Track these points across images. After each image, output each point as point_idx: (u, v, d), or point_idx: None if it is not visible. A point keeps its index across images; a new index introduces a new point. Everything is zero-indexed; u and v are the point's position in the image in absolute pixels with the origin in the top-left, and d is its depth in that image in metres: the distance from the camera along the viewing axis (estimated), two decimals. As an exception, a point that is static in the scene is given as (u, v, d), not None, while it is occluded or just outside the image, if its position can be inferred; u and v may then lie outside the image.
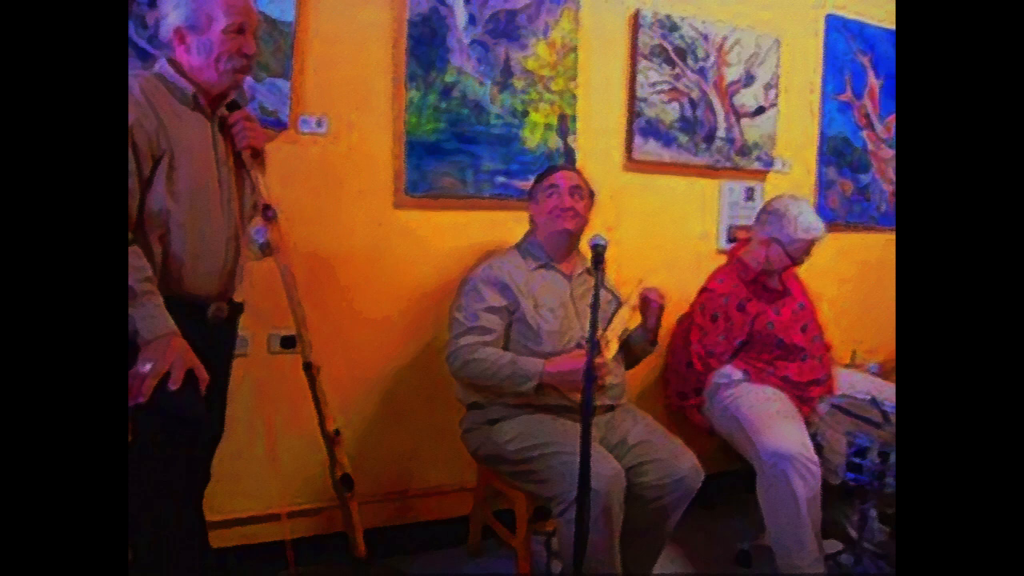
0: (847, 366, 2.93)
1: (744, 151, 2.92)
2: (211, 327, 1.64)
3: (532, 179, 2.31)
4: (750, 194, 2.96)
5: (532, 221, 2.25)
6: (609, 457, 1.92)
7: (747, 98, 2.90)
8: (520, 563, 2.13)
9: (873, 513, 2.38)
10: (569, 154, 2.56)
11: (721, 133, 2.86)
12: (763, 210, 2.50)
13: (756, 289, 2.46)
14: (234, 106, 1.68)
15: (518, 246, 2.25)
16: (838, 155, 3.16)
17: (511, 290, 2.10)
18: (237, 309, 1.77)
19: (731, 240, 2.89)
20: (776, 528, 2.17)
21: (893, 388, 2.56)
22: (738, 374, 2.41)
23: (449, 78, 2.35)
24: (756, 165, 2.95)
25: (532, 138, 2.49)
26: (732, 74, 2.86)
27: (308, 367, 1.72)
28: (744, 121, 2.91)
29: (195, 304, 1.61)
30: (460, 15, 2.35)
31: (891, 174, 3.28)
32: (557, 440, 1.94)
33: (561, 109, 2.54)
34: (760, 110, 2.94)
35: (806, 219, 2.37)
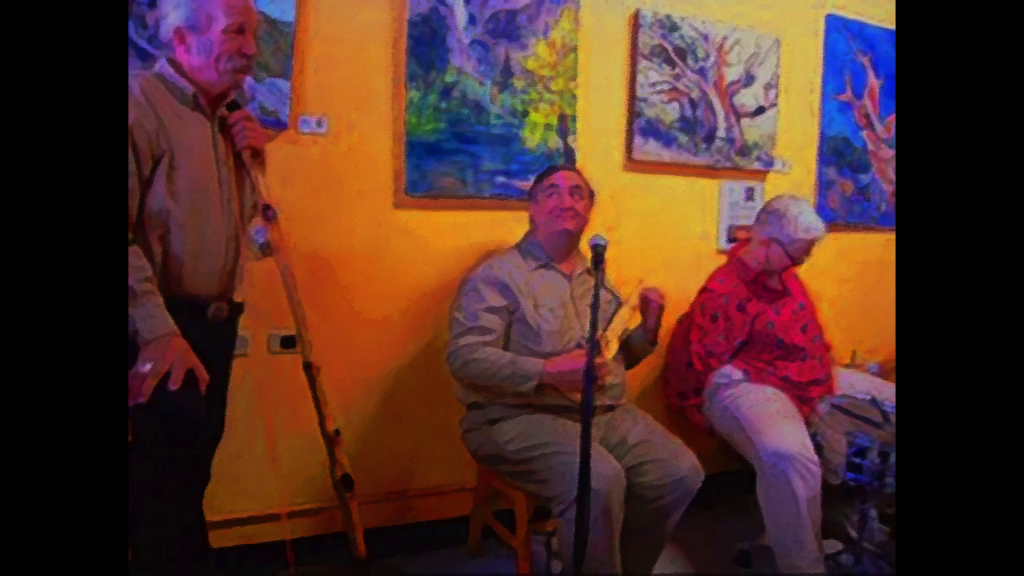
0: (847, 366, 2.93)
1: (744, 151, 2.91)
2: (211, 327, 1.64)
3: (532, 179, 2.31)
4: (750, 194, 2.96)
5: (532, 221, 2.25)
6: (609, 457, 1.92)
7: (747, 98, 2.90)
8: (520, 563, 2.12)
9: (873, 513, 2.38)
10: (569, 154, 2.56)
11: (721, 133, 2.85)
12: (763, 210, 2.50)
13: (756, 289, 2.46)
14: (234, 106, 1.68)
15: (518, 246, 2.25)
16: (838, 155, 3.16)
17: (511, 290, 2.10)
18: (237, 309, 1.77)
19: (731, 240, 2.88)
20: (776, 528, 2.17)
21: (893, 388, 2.56)
22: (738, 374, 2.41)
23: (449, 78, 2.35)
24: (756, 165, 2.95)
25: (532, 138, 2.49)
26: (732, 74, 2.86)
27: (308, 367, 1.72)
28: (744, 121, 2.91)
29: (195, 304, 1.61)
30: (460, 15, 2.35)
31: (891, 174, 3.28)
32: (557, 440, 1.94)
33: (561, 109, 2.54)
34: (760, 110, 2.93)
35: (806, 219, 2.38)
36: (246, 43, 1.61)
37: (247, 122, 1.68)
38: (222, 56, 1.58)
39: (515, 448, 2.00)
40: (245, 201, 1.72)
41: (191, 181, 1.57)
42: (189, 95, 1.60)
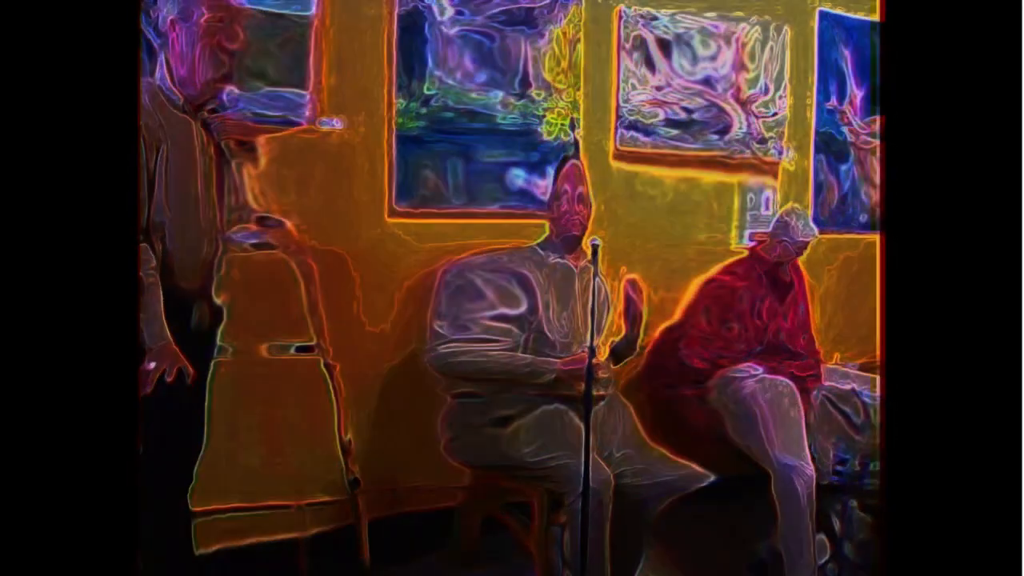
0: (833, 365, 3.03)
1: (763, 141, 3.00)
2: (194, 329, 1.69)
3: (545, 180, 2.39)
4: (767, 204, 3.09)
5: (551, 227, 2.25)
6: (600, 464, 1.96)
7: (758, 95, 2.97)
8: (536, 568, 2.13)
9: (853, 503, 2.48)
10: (576, 147, 2.60)
11: (736, 128, 2.93)
12: (776, 220, 2.75)
13: (769, 282, 2.65)
14: (215, 111, 1.72)
15: (539, 244, 2.26)
16: (826, 145, 3.23)
17: (531, 285, 2.10)
18: (217, 312, 1.78)
19: (750, 240, 3.00)
20: (786, 526, 2.26)
21: (870, 379, 2.68)
22: (757, 369, 2.52)
23: (434, 86, 2.36)
24: (773, 154, 3.03)
25: (547, 133, 2.55)
26: (742, 72, 2.92)
27: (327, 367, 1.74)
28: (756, 118, 2.98)
29: (183, 301, 1.65)
30: (447, 11, 2.36)
31: (874, 172, 3.37)
32: (568, 447, 1.96)
33: (570, 113, 2.59)
34: (772, 109, 3.01)
35: (806, 224, 2.68)
36: (232, 36, 1.63)
37: (228, 120, 1.73)
38: (204, 50, 1.60)
39: (536, 458, 2.01)
40: (227, 200, 1.75)
41: (178, 180, 1.61)
42: (179, 103, 1.64)
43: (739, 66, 2.92)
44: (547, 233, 2.29)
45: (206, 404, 1.61)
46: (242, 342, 2.09)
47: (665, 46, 2.76)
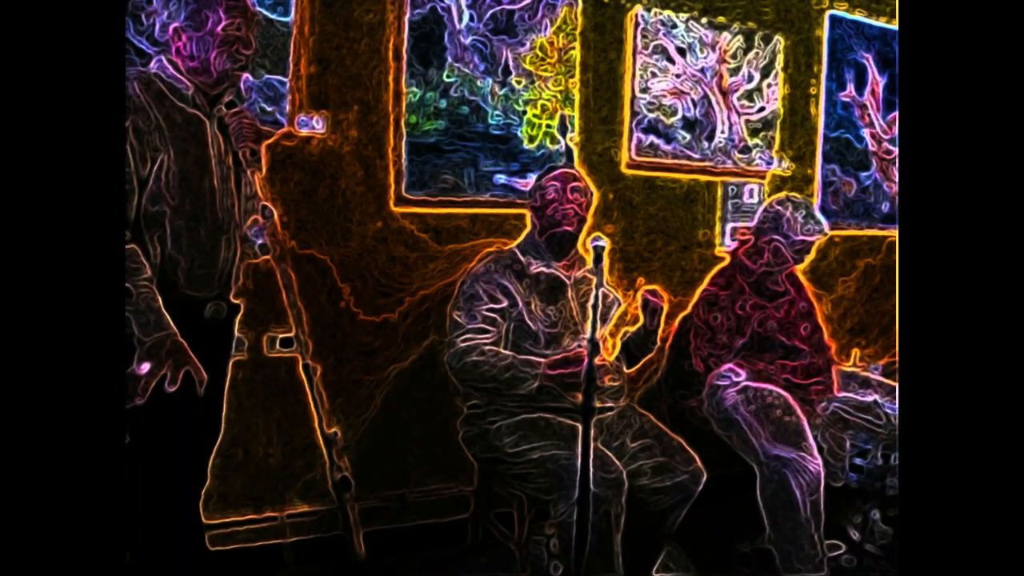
0: (849, 367, 2.92)
1: (745, 150, 2.91)
2: (207, 328, 1.65)
3: (532, 178, 2.31)
4: (752, 194, 2.96)
5: (532, 222, 2.24)
6: (610, 459, 1.92)
7: (748, 98, 2.90)
8: (519, 565, 2.11)
9: (876, 515, 2.38)
10: (568, 153, 2.56)
11: (723, 132, 2.85)
12: (764, 210, 2.51)
13: (758, 289, 2.46)
14: (232, 105, 1.68)
15: (518, 246, 2.24)
16: (840, 154, 3.15)
17: (511, 290, 2.09)
18: (234, 310, 1.77)
19: (732, 240, 2.88)
20: (776, 531, 2.17)
21: (895, 388, 2.56)
22: (739, 374, 2.41)
23: (448, 78, 2.35)
24: (758, 163, 2.95)
25: (532, 137, 2.49)
26: (733, 73, 2.86)
27: (306, 368, 1.72)
28: (745, 120, 2.90)
29: (192, 305, 1.61)
30: (460, 14, 2.35)
31: (893, 173, 3.29)
32: (556, 442, 1.93)
33: (560, 109, 2.54)
34: (761, 109, 2.93)
35: (807, 219, 2.40)
36: (244, 41, 1.61)
37: (244, 120, 1.68)
38: (220, 54, 1.59)
39: (514, 450, 1.99)
40: (242, 200, 1.73)
41: (188, 180, 1.58)
42: (188, 94, 1.61)
43: (738, 71, 2.87)
44: (527, 230, 2.24)
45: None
46: (249, 340, 2.11)
47: (668, 49, 2.72)
